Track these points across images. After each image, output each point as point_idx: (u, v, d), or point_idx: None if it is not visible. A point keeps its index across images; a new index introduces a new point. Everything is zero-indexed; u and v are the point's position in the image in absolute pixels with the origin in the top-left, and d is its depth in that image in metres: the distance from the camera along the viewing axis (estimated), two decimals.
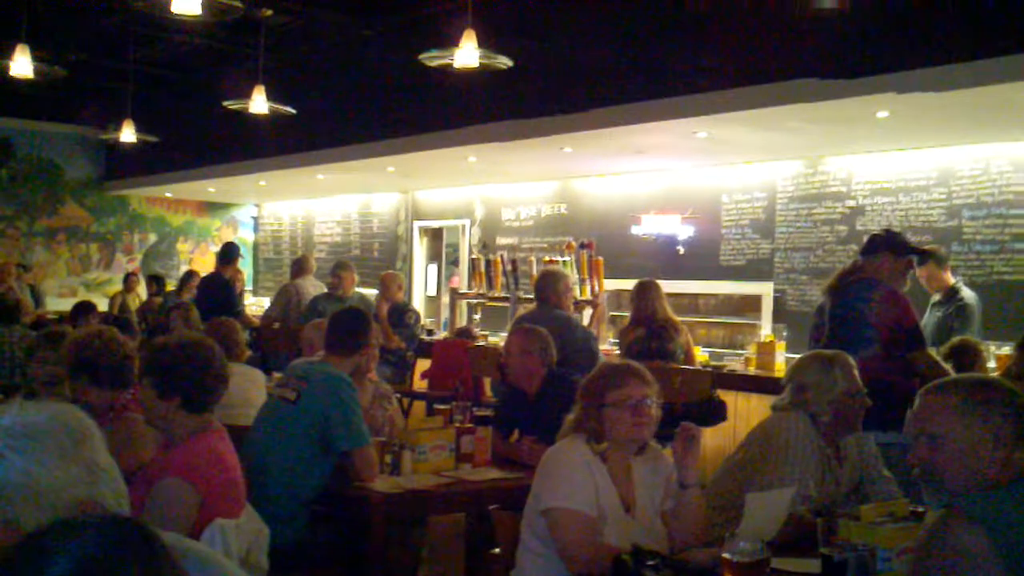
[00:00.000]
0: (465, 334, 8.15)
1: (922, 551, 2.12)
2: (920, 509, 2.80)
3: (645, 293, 6.45)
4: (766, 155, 8.50)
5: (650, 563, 2.60)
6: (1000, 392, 2.21)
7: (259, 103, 7.70)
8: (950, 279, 6.48)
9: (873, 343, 4.67)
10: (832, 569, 2.52)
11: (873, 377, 3.72)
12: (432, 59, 5.82)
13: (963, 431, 2.17)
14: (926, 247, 6.38)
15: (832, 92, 5.91)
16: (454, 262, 11.82)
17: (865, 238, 5.44)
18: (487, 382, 7.27)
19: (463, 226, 11.51)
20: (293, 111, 8.25)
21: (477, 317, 9.35)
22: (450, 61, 5.63)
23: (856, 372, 3.44)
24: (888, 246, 4.94)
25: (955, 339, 5.44)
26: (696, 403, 5.64)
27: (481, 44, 5.41)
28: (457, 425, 4.29)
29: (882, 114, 6.42)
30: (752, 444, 3.42)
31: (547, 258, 8.38)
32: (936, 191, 7.59)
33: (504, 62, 5.60)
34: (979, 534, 1.99)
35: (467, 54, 5.41)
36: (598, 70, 7.42)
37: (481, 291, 8.97)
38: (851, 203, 8.11)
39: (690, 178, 9.36)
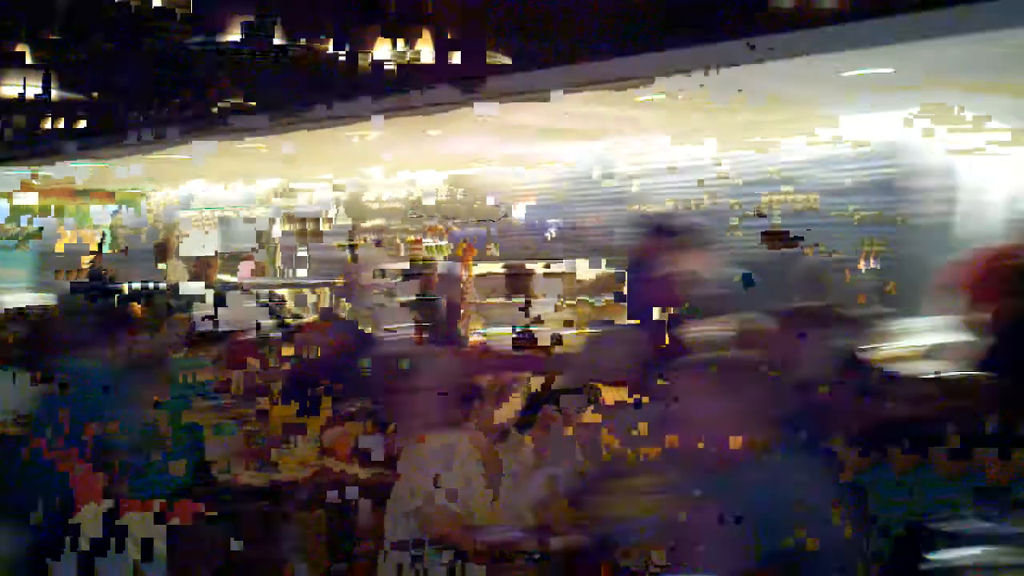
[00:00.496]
0: (329, 315, 8.03)
1: None
2: None
3: (520, 278, 6.41)
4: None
5: (519, 552, 2.64)
6: None
7: None
8: None
9: None
10: None
11: None
12: None
13: None
14: None
15: None
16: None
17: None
18: None
19: (329, 210, 11.44)
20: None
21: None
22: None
23: None
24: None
25: None
26: (563, 389, 5.66)
27: None
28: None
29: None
30: None
31: (411, 238, 8.35)
32: None
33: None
34: None
35: None
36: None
37: None
38: None
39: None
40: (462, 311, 7.49)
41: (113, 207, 14.54)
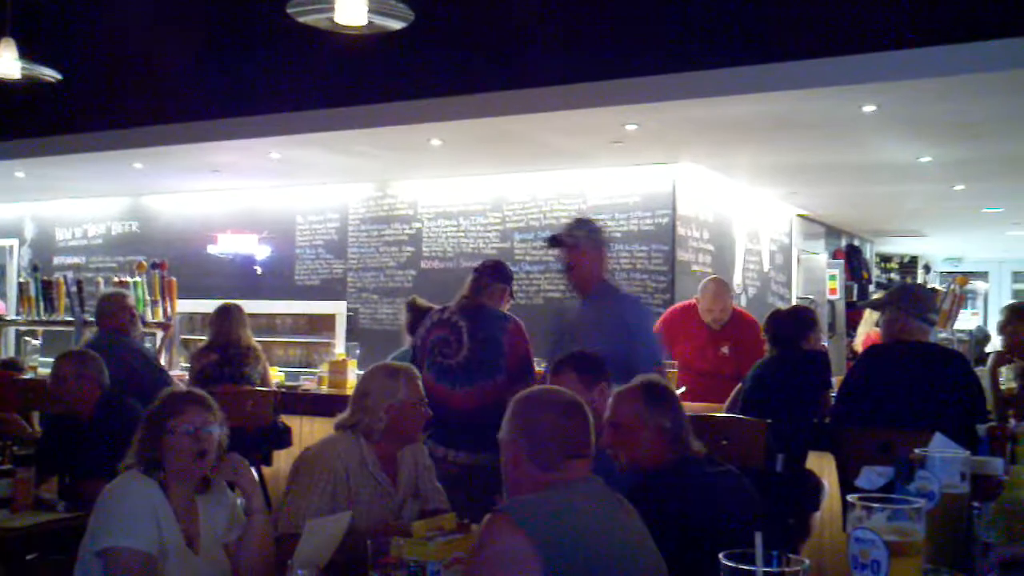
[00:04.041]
0: (9, 365, 7.43)
1: (473, 553, 2.34)
2: (466, 521, 3.00)
3: (225, 317, 6.28)
4: (339, 177, 8.70)
5: None
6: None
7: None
8: None
9: (503, 371, 4.77)
10: None
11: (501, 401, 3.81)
12: None
13: (510, 444, 2.52)
14: None
15: (390, 118, 6.17)
16: None
17: (473, 269, 5.31)
18: (35, 417, 6.69)
19: (10, 246, 10.67)
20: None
21: (38, 343, 8.56)
22: None
23: (420, 384, 3.54)
24: (506, 279, 5.09)
25: None
26: (263, 427, 5.60)
27: (23, 55, 4.87)
28: None
29: (436, 142, 6.85)
30: (297, 470, 3.39)
31: (116, 278, 7.95)
32: (492, 216, 8.27)
33: (51, 75, 5.09)
34: (519, 535, 2.21)
35: (6, 64, 4.85)
36: (169, 84, 7.11)
37: (33, 317, 8.26)
38: (417, 225, 8.58)
39: (265, 198, 9.36)
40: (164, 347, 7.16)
41: None
